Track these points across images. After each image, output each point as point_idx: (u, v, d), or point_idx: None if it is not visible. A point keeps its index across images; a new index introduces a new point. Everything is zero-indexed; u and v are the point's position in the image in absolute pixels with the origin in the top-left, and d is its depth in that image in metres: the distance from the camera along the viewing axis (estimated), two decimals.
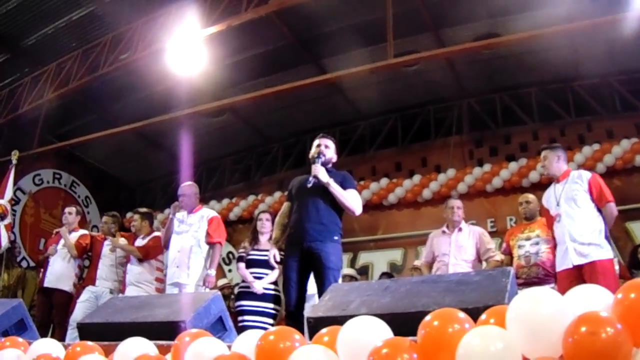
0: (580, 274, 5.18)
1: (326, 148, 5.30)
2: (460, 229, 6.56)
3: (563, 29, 8.54)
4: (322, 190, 5.03)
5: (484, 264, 6.45)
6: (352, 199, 5.12)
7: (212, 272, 6.37)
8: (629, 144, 10.02)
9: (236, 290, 7.16)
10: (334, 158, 5.43)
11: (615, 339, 1.80)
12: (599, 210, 5.40)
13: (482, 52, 10.24)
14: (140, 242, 7.34)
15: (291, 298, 4.96)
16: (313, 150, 5.30)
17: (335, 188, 5.02)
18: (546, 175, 5.80)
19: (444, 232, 6.68)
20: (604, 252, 5.21)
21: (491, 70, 11.48)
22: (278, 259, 5.41)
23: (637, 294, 1.92)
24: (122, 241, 7.48)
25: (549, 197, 5.70)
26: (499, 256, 6.51)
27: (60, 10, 10.15)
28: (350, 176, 5.35)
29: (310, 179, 5.03)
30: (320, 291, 4.67)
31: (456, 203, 6.78)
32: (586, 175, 5.57)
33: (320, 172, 5.02)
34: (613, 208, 5.45)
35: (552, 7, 9.01)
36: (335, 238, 5.01)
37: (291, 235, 5.15)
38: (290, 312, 4.95)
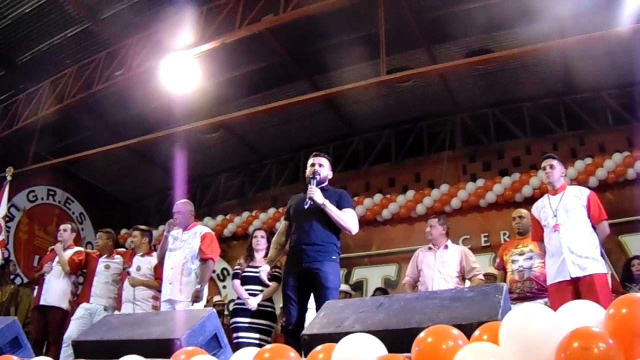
0: (575, 287, 5.18)
1: (320, 167, 5.32)
2: (446, 247, 6.60)
3: (555, 44, 8.61)
4: (319, 210, 5.05)
5: (467, 283, 6.47)
6: (348, 219, 5.14)
7: (204, 287, 6.33)
8: (621, 158, 10.07)
9: (231, 307, 7.15)
10: (330, 175, 5.45)
11: (607, 354, 1.81)
12: (593, 227, 5.43)
13: (474, 67, 10.29)
14: (141, 260, 7.28)
15: (291, 316, 4.96)
16: (308, 171, 5.33)
17: (330, 209, 5.05)
18: (546, 183, 5.79)
19: (430, 248, 6.72)
20: (600, 266, 5.23)
21: (484, 85, 11.54)
22: (265, 279, 5.41)
23: (629, 309, 1.94)
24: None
25: (543, 207, 5.69)
26: (482, 275, 6.54)
27: (55, 27, 10.16)
28: (347, 195, 5.38)
29: (307, 200, 5.05)
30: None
31: (431, 222, 6.83)
32: (585, 191, 5.62)
33: (315, 193, 5.03)
34: (607, 226, 5.53)
35: (544, 22, 9.06)
36: (334, 257, 5.04)
37: (291, 256, 5.18)
38: (289, 330, 4.94)
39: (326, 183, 5.37)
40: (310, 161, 5.40)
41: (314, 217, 5.06)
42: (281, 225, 5.57)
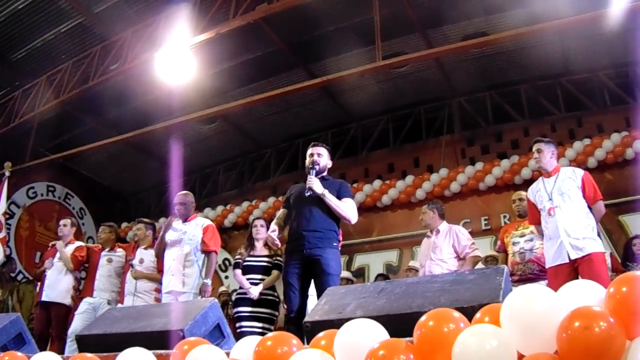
0: (574, 269, 5.17)
1: (319, 156, 5.34)
2: (437, 231, 6.63)
3: (551, 25, 8.57)
4: (319, 198, 5.07)
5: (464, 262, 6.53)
6: (348, 209, 5.16)
7: (208, 281, 6.36)
8: (619, 138, 10.07)
9: (234, 297, 7.16)
10: (329, 164, 5.46)
11: (609, 333, 1.82)
12: (589, 207, 5.42)
13: (470, 51, 10.27)
14: (144, 253, 7.29)
15: (292, 304, 4.97)
16: (307, 161, 5.34)
17: (330, 199, 5.07)
18: (537, 169, 5.77)
19: (427, 235, 6.78)
20: (598, 245, 5.21)
21: (480, 68, 11.54)
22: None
23: (629, 287, 1.95)
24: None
25: (538, 191, 5.66)
26: (477, 251, 6.57)
27: (49, 23, 10.14)
28: (347, 184, 5.42)
29: (307, 190, 5.06)
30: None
31: (422, 209, 6.90)
32: (579, 172, 5.57)
33: (314, 184, 5.05)
34: (602, 206, 5.50)
35: (539, 3, 9.04)
36: (334, 244, 5.07)
37: (291, 244, 5.18)
38: (291, 317, 4.96)
39: (325, 172, 5.39)
40: (309, 151, 5.42)
41: (314, 204, 5.08)
42: (279, 212, 5.56)
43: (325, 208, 5.09)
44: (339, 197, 5.16)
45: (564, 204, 5.36)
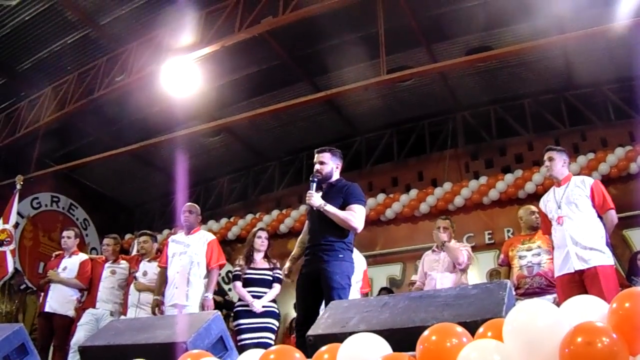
0: (580, 279, 5.15)
1: (322, 164, 5.22)
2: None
3: (555, 40, 8.60)
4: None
5: (469, 275, 6.55)
6: (351, 217, 4.98)
7: (210, 295, 6.38)
8: (623, 152, 10.06)
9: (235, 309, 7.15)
10: (337, 167, 5.33)
11: (611, 349, 1.82)
12: (599, 217, 5.38)
13: (475, 65, 10.29)
14: (148, 265, 7.30)
15: (300, 316, 4.94)
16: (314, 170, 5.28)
17: (330, 211, 4.93)
18: (548, 177, 5.73)
19: (433, 250, 6.78)
20: (606, 258, 5.17)
21: (485, 82, 11.55)
22: (281, 275, 5.39)
23: (632, 303, 1.95)
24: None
25: (548, 201, 5.66)
26: (463, 246, 6.61)
27: (55, 34, 10.19)
28: (357, 188, 5.25)
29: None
30: None
31: (443, 223, 6.80)
32: (589, 181, 5.55)
33: (313, 198, 4.95)
34: (614, 215, 5.44)
35: (543, 18, 9.08)
36: (340, 256, 4.92)
37: (305, 258, 5.15)
38: (299, 329, 4.89)
39: (333, 178, 5.26)
40: (314, 159, 5.35)
41: (317, 216, 5.02)
42: (305, 225, 5.53)
43: (329, 219, 5.01)
44: (345, 204, 5.04)
45: (572, 214, 5.34)
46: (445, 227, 6.71)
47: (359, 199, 5.16)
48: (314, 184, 5.07)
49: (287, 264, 5.33)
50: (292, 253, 5.42)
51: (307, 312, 4.89)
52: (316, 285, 4.89)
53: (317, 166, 5.22)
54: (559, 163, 5.62)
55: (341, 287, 4.81)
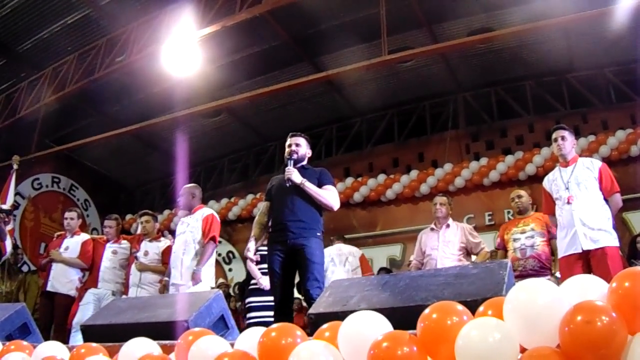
0: (586, 260, 5.15)
1: (297, 146, 5.31)
2: (448, 226, 6.63)
3: (557, 21, 8.56)
4: (300, 188, 5.05)
5: (473, 257, 6.53)
6: (329, 196, 5.12)
7: (200, 267, 6.22)
8: (624, 135, 10.06)
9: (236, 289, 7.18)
10: (308, 154, 5.44)
11: (611, 327, 1.82)
12: (605, 199, 5.39)
13: (476, 46, 10.26)
14: (149, 245, 7.31)
15: (279, 293, 4.97)
16: (286, 152, 5.33)
17: (309, 187, 5.03)
18: (559, 155, 5.71)
19: (432, 229, 6.76)
20: (613, 239, 5.17)
21: (486, 64, 11.53)
22: (254, 259, 5.37)
23: (631, 282, 1.95)
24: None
25: (554, 180, 5.62)
26: (487, 248, 6.59)
27: (55, 15, 10.15)
28: (327, 172, 5.36)
29: (286, 181, 5.06)
30: (305, 285, 4.71)
31: (439, 200, 6.84)
32: (597, 163, 5.55)
33: (293, 174, 5.02)
34: (619, 198, 5.46)
35: (545, 0, 9.04)
36: (318, 234, 5.03)
37: (274, 234, 5.16)
38: (279, 307, 4.94)
39: (305, 162, 5.35)
40: (287, 142, 5.40)
41: (296, 194, 5.05)
42: (262, 205, 5.54)
43: (307, 197, 5.05)
44: (320, 185, 5.14)
45: (580, 194, 5.32)
46: (442, 203, 6.74)
47: (332, 181, 5.30)
48: (291, 161, 5.15)
49: (252, 244, 5.32)
50: (253, 233, 5.41)
51: (289, 287, 5.01)
52: (291, 261, 4.94)
53: (293, 147, 5.28)
54: (570, 143, 5.60)
55: (320, 262, 4.94)
